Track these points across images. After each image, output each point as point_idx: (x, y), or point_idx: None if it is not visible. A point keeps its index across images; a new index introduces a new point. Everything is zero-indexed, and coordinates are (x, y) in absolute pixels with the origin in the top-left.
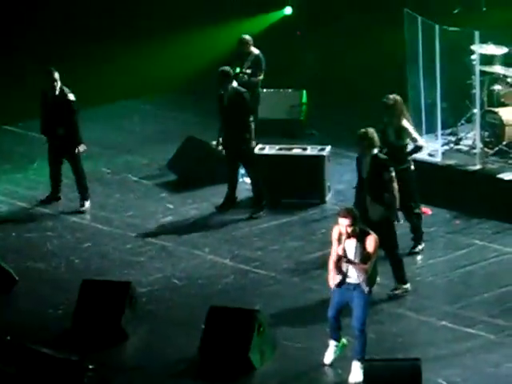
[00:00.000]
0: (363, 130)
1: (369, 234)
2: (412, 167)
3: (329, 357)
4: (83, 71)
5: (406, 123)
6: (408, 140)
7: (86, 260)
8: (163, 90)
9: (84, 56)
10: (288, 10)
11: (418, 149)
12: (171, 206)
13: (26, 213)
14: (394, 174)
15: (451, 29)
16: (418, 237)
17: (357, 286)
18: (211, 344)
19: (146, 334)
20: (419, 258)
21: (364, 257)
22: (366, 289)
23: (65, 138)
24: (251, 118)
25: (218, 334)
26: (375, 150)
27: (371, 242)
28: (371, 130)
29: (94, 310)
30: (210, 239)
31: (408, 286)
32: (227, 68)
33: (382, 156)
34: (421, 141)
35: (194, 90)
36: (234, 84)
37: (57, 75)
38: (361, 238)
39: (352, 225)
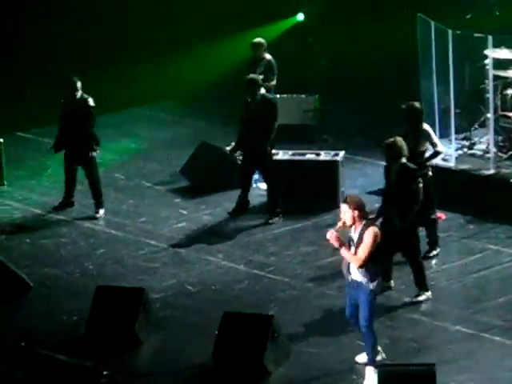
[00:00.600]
0: (391, 139)
1: (370, 225)
2: (430, 173)
3: (362, 357)
4: (96, 78)
5: (427, 127)
6: (427, 145)
7: (99, 266)
8: (175, 96)
9: (95, 63)
10: (301, 17)
11: (436, 154)
12: (184, 212)
13: (39, 219)
14: (421, 185)
15: (464, 33)
16: (433, 241)
17: (360, 283)
18: (225, 350)
19: (160, 340)
20: (433, 262)
21: (360, 247)
22: (364, 280)
23: (81, 145)
24: (275, 125)
25: (232, 340)
26: (404, 159)
27: (369, 234)
28: (399, 139)
29: (108, 316)
30: (223, 245)
31: (429, 293)
32: (255, 76)
33: (411, 166)
34: (440, 146)
35: (205, 97)
36: (262, 91)
37: (79, 84)
38: (363, 230)
39: (351, 210)
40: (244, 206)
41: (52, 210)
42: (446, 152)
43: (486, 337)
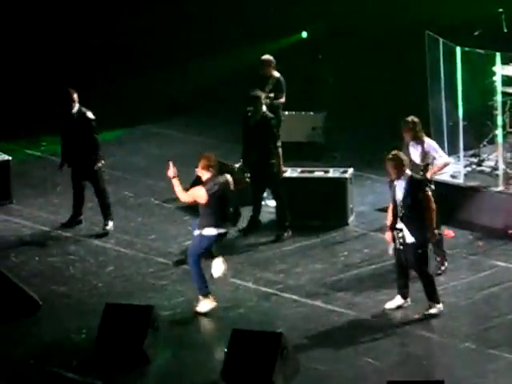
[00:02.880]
0: (393, 153)
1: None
2: (432, 186)
3: None
4: (103, 95)
5: (429, 141)
6: (430, 159)
7: (108, 284)
8: (183, 113)
9: (104, 80)
10: (305, 34)
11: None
12: None
13: (48, 237)
14: (430, 193)
15: (472, 50)
16: (440, 257)
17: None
18: (234, 367)
19: (169, 358)
20: (442, 279)
21: None
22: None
23: (85, 159)
24: (278, 144)
25: (242, 358)
26: (408, 171)
27: None
28: (401, 153)
29: (117, 333)
30: (232, 262)
31: (441, 305)
32: (259, 92)
33: (416, 176)
34: (445, 157)
35: (213, 113)
36: (264, 108)
37: (75, 96)
38: None
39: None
40: (256, 224)
41: (60, 228)
42: (454, 169)
43: (496, 353)
